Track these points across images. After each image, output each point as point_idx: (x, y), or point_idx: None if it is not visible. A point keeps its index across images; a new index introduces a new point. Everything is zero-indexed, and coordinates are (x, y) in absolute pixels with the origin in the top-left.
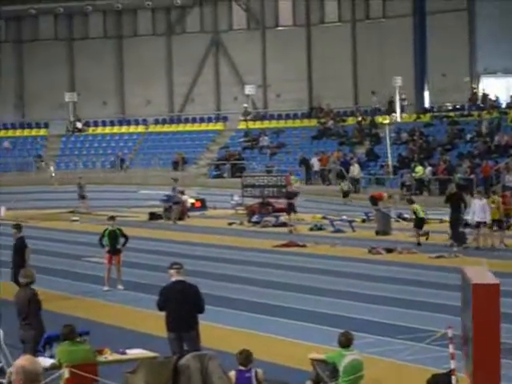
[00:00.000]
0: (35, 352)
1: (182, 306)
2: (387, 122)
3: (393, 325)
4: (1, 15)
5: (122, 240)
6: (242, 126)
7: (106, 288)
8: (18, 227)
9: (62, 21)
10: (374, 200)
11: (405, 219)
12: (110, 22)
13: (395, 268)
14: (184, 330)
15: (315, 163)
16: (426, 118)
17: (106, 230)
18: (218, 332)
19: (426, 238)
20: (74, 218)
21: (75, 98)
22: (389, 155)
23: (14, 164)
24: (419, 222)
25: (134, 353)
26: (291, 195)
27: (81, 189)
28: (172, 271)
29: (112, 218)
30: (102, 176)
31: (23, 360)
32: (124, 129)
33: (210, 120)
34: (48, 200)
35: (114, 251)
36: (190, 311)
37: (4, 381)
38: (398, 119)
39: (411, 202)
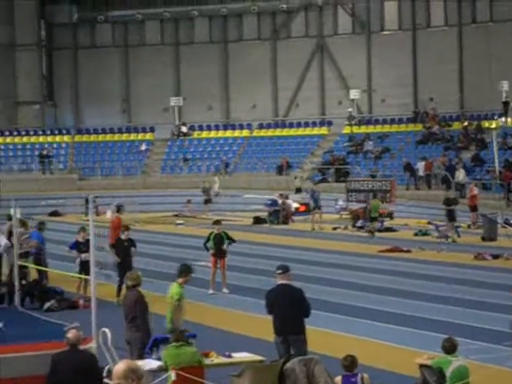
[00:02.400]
0: (142, 354)
1: (288, 309)
2: (494, 126)
3: (499, 331)
4: (108, 20)
5: (227, 242)
6: (347, 130)
7: (211, 291)
8: (127, 228)
9: (168, 26)
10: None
11: None
12: (216, 26)
13: (502, 274)
14: (291, 334)
15: (420, 168)
16: None
17: (211, 234)
18: (322, 336)
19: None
20: (179, 222)
21: (181, 103)
22: (496, 160)
23: (119, 168)
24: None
25: (240, 356)
26: (451, 202)
27: (206, 192)
28: (278, 274)
29: (218, 222)
30: (206, 180)
31: (124, 364)
32: (229, 133)
33: (314, 124)
34: (153, 204)
35: (220, 255)
36: (296, 315)
37: (111, 382)
38: (506, 124)
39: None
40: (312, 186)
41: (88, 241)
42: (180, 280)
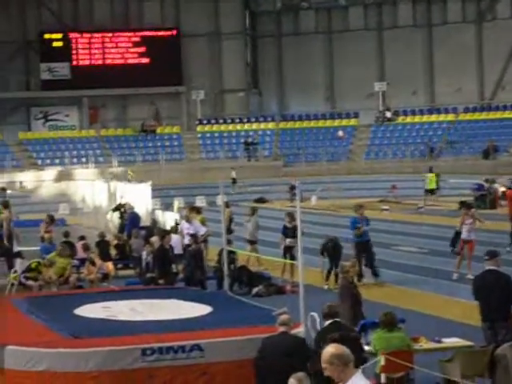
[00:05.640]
0: None
1: (493, 295)
2: None
3: None
4: (311, 7)
5: None
6: None
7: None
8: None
9: (372, 11)
10: None
11: None
12: (420, 10)
13: None
14: (497, 320)
15: None
16: None
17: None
18: None
19: None
20: (384, 207)
21: (385, 88)
22: None
23: (324, 154)
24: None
25: (450, 341)
26: None
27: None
28: (486, 260)
29: (469, 205)
30: (411, 165)
31: (332, 348)
32: (434, 117)
33: None
34: (358, 189)
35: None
36: (502, 301)
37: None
38: None
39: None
40: None
41: (295, 226)
42: None
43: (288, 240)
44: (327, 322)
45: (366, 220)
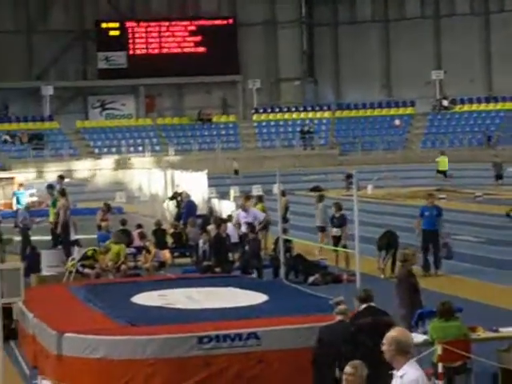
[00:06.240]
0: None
1: None
2: None
3: None
4: None
5: None
6: None
7: None
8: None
9: None
10: None
11: None
12: None
13: None
14: None
15: None
16: None
17: None
18: None
19: None
20: (441, 196)
21: (442, 76)
22: None
23: (380, 143)
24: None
25: (508, 331)
26: None
27: (496, 167)
28: None
29: None
30: (468, 154)
31: (395, 331)
32: (491, 106)
33: None
34: (415, 178)
35: None
36: None
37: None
38: None
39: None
40: None
41: (341, 216)
42: None
43: (334, 230)
44: (362, 307)
45: (436, 208)
